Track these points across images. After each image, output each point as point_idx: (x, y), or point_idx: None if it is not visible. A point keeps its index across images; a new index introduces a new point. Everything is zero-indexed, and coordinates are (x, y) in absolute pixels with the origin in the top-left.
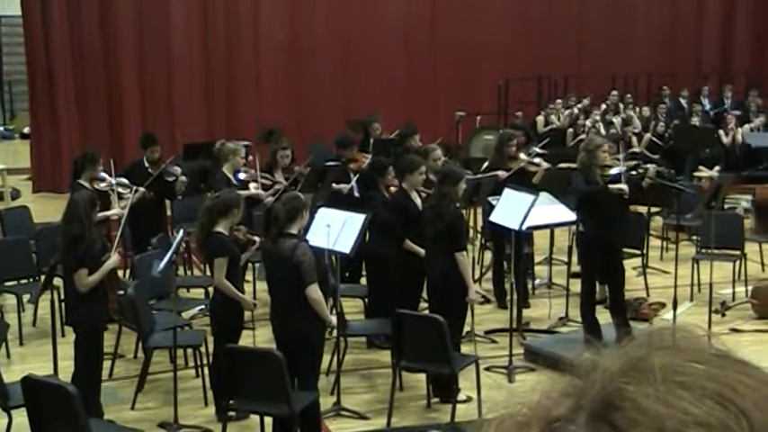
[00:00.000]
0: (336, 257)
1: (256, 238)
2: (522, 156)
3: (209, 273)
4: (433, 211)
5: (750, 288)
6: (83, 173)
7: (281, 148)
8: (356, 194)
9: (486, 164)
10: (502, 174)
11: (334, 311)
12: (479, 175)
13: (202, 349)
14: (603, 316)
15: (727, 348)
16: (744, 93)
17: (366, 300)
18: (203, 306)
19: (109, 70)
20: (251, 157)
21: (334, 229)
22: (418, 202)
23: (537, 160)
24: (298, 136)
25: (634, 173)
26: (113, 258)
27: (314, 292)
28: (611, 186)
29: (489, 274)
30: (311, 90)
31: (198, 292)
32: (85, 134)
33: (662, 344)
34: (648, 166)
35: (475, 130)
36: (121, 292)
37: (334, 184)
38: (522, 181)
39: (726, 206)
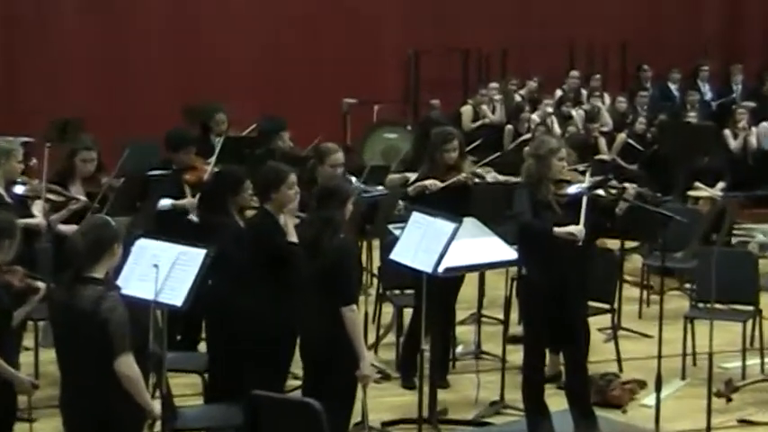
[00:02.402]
0: (163, 312)
1: (40, 285)
2: (466, 164)
3: None
4: (309, 245)
5: None
6: None
7: (81, 148)
8: (194, 219)
9: (412, 175)
10: (431, 184)
11: (157, 393)
12: (377, 191)
13: None
14: (556, 400)
15: None
16: (758, 76)
17: (206, 375)
18: None
19: None
20: (34, 161)
21: (162, 271)
22: (290, 230)
23: (487, 172)
24: (108, 131)
25: (601, 193)
26: None
27: (126, 365)
28: (557, 230)
29: (391, 338)
30: (130, 66)
31: None
32: None
33: None
34: (626, 185)
35: (371, 125)
36: None
37: (163, 202)
38: (463, 198)
39: (733, 240)
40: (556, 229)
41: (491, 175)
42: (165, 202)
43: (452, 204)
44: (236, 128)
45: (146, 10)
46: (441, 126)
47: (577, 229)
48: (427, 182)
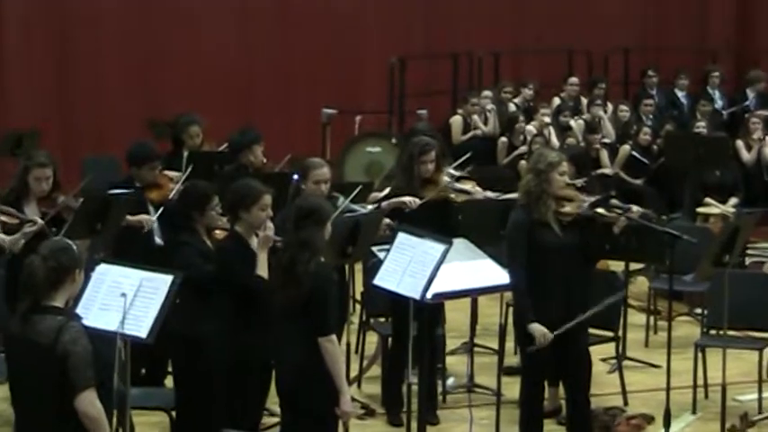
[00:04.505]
0: (126, 345)
1: None
2: (446, 178)
3: None
4: (285, 269)
5: None
6: None
7: (35, 165)
8: (158, 241)
9: (385, 190)
10: (410, 201)
11: None
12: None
13: None
14: None
15: None
16: None
17: (173, 413)
18: None
19: None
20: None
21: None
22: (261, 258)
23: (467, 186)
24: (65, 146)
25: (602, 212)
26: None
27: (88, 403)
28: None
29: (374, 371)
30: (87, 74)
31: None
32: None
33: None
34: (632, 207)
35: (353, 137)
36: None
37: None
38: (443, 216)
39: (747, 261)
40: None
41: (475, 189)
42: None
43: (433, 224)
44: (211, 142)
45: (104, 15)
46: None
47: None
48: (405, 198)
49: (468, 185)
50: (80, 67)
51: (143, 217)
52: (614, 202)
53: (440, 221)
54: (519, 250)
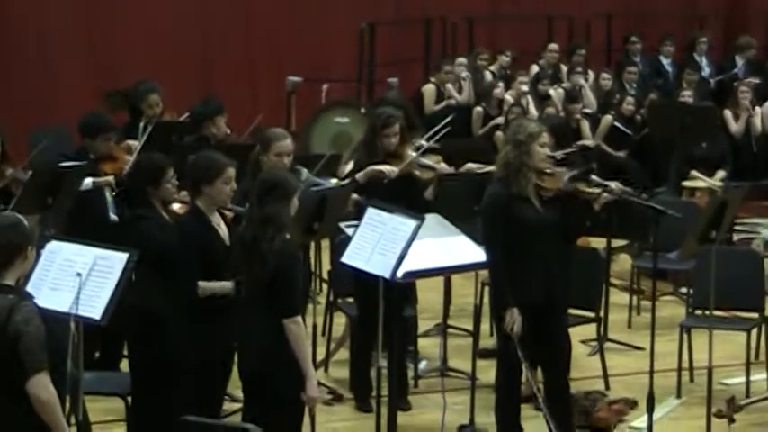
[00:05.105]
0: (78, 326)
1: None
2: (410, 152)
3: None
4: (247, 247)
5: None
6: None
7: None
8: (112, 216)
9: (348, 165)
10: (389, 170)
11: (72, 419)
12: (330, 184)
13: None
14: (534, 423)
15: None
16: (765, 49)
17: (129, 398)
18: None
19: None
20: None
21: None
22: (223, 230)
23: (431, 161)
24: (11, 116)
25: (583, 188)
26: None
27: (41, 386)
28: None
29: (343, 354)
30: (33, 37)
31: None
32: None
33: None
34: (612, 184)
35: (320, 107)
36: None
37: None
38: (408, 193)
39: (735, 237)
40: None
41: (439, 164)
42: (87, 181)
43: (396, 201)
44: (171, 113)
45: None
46: (396, 108)
47: None
48: (383, 167)
49: (432, 160)
50: (25, 29)
51: (109, 178)
52: (594, 178)
53: (405, 198)
54: (496, 226)
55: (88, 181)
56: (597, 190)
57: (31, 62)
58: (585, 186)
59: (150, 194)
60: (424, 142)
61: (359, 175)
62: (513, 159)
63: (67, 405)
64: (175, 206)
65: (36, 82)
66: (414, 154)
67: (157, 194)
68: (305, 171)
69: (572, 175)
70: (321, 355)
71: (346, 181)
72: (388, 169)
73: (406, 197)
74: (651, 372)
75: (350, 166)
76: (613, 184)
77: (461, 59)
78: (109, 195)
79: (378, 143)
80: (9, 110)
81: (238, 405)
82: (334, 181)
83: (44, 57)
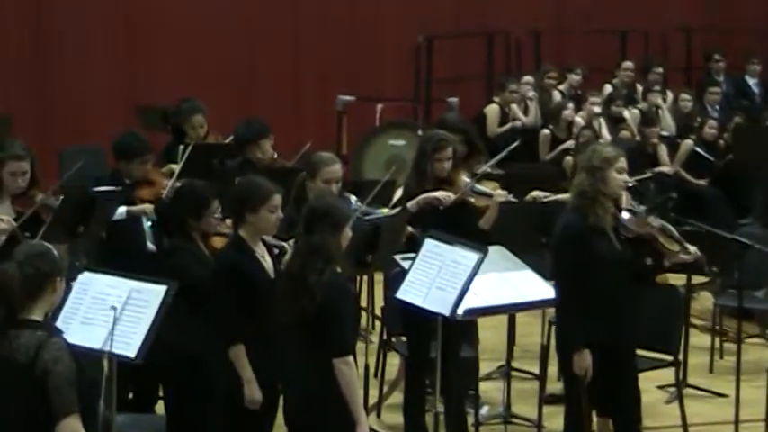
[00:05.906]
0: (111, 365)
1: None
2: (464, 178)
3: None
4: (294, 279)
5: None
6: None
7: (10, 157)
8: (150, 246)
9: (397, 192)
10: (444, 196)
11: None
12: (379, 214)
13: None
14: None
15: None
16: None
17: None
18: None
19: None
20: None
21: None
22: (267, 262)
23: (487, 188)
24: (42, 136)
25: (663, 242)
26: None
27: (71, 429)
28: None
29: (397, 397)
30: (66, 53)
31: None
32: None
33: None
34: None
35: (373, 129)
36: None
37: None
38: (463, 223)
39: None
40: None
41: (496, 192)
42: (120, 210)
43: (448, 232)
44: (216, 135)
45: None
46: (454, 131)
47: None
48: (438, 193)
49: (489, 187)
50: (58, 45)
51: (146, 206)
52: (675, 233)
53: (459, 228)
54: (569, 261)
55: (122, 210)
56: (676, 248)
57: (66, 78)
58: (665, 241)
59: (190, 226)
60: (487, 167)
61: (410, 204)
62: (588, 188)
63: None
64: (216, 238)
65: (71, 99)
66: (468, 180)
67: (198, 226)
68: (354, 198)
69: (649, 207)
70: (373, 398)
71: (396, 210)
72: (443, 195)
73: (460, 227)
74: (736, 422)
75: (398, 194)
76: (693, 248)
77: (528, 78)
78: (146, 223)
79: (428, 168)
80: (40, 129)
81: None
82: (384, 210)
83: (80, 73)
